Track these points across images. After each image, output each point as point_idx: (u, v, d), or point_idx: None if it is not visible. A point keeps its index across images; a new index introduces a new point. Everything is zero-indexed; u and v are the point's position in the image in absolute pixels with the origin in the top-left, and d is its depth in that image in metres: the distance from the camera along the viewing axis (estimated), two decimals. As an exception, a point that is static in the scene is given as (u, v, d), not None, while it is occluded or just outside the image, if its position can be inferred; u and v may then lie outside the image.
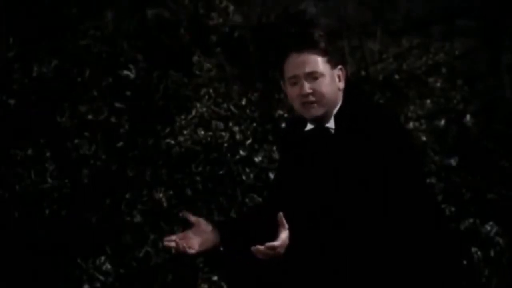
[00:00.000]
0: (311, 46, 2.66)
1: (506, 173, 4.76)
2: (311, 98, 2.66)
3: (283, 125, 4.38)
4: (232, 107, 4.53)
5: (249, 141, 4.42)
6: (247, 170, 4.33)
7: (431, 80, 5.35)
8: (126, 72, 4.60)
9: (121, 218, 4.26)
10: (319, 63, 2.66)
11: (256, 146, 4.42)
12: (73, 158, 4.39)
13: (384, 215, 2.55)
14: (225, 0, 5.03)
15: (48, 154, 4.33)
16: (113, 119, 4.52)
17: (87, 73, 4.55)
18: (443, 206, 4.40)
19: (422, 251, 2.58)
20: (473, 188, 4.64)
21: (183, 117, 4.46)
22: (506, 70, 6.51)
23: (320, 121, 2.70)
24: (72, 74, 4.55)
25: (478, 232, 4.30)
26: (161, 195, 4.26)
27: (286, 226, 2.59)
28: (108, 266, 4.06)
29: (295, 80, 2.67)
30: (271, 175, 4.28)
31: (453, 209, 4.46)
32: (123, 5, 5.07)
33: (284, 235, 2.58)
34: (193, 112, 4.47)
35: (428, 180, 4.49)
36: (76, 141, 4.42)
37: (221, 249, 2.72)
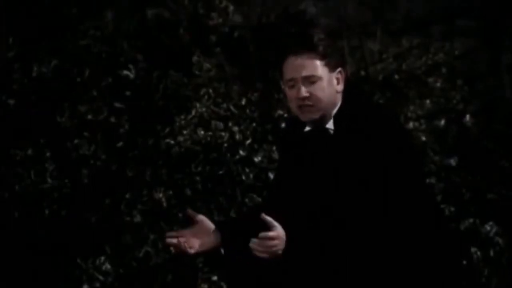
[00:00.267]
0: (310, 49, 2.66)
1: (506, 173, 4.76)
2: (308, 102, 2.66)
3: (283, 125, 4.38)
4: (231, 107, 4.53)
5: (248, 141, 4.42)
6: (247, 170, 4.33)
7: (431, 80, 5.35)
8: (126, 72, 4.60)
9: (121, 218, 4.26)
10: (317, 66, 2.66)
11: (255, 146, 4.42)
12: (73, 158, 4.39)
13: (384, 215, 2.55)
14: (225, 0, 5.03)
15: (48, 154, 4.33)
16: (113, 119, 4.52)
17: (87, 73, 4.55)
18: (443, 206, 4.40)
19: (422, 251, 2.58)
20: (473, 188, 4.64)
21: (182, 117, 4.46)
22: (506, 70, 6.51)
23: (318, 122, 2.70)
24: (72, 74, 4.55)
25: (478, 232, 4.30)
26: (160, 195, 4.26)
27: (275, 223, 2.57)
28: (107, 266, 4.06)
29: (293, 83, 2.67)
30: (271, 175, 4.28)
31: (453, 209, 4.46)
32: (123, 5, 5.07)
33: (278, 229, 2.57)
34: (193, 112, 4.47)
35: (428, 180, 4.49)
36: (76, 141, 4.42)
37: (222, 251, 2.72)
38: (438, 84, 5.35)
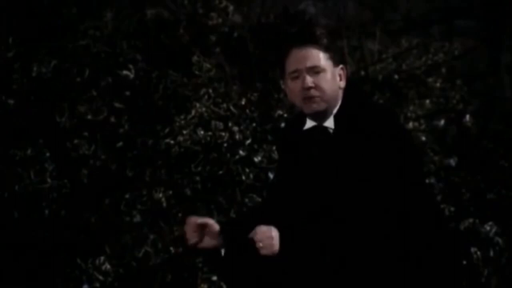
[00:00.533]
0: (314, 41, 2.67)
1: (506, 173, 4.76)
2: (313, 92, 2.65)
3: (283, 125, 4.38)
4: (231, 107, 4.53)
5: (248, 141, 4.41)
6: (247, 170, 4.33)
7: (430, 80, 5.35)
8: (125, 72, 4.60)
9: (120, 218, 4.26)
10: (321, 58, 2.67)
11: (255, 146, 4.42)
12: (72, 158, 4.39)
13: (384, 215, 2.55)
14: (225, 0, 5.03)
15: (47, 154, 4.33)
16: (112, 119, 4.52)
17: (87, 73, 4.55)
18: (442, 206, 4.40)
19: (422, 251, 2.58)
20: (473, 188, 4.64)
21: (182, 117, 4.45)
22: (505, 70, 6.51)
23: (319, 119, 2.69)
24: (72, 74, 4.55)
25: (478, 232, 4.30)
26: (160, 195, 4.26)
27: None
28: (107, 266, 4.06)
29: (297, 74, 2.67)
30: (271, 175, 4.28)
31: (452, 209, 4.46)
32: (123, 5, 5.07)
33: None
34: (193, 112, 4.47)
35: (427, 180, 4.50)
36: (75, 141, 4.42)
37: (222, 252, 2.72)
38: (438, 84, 5.35)
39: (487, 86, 6.54)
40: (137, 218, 4.24)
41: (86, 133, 4.45)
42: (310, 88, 2.65)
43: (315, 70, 2.66)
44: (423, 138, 4.95)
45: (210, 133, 4.39)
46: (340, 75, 2.71)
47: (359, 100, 2.75)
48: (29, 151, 4.31)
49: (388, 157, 2.57)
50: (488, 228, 4.29)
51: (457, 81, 5.45)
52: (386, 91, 5.24)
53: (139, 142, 4.45)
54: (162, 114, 4.56)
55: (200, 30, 4.98)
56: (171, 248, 4.14)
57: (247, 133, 4.43)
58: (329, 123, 2.69)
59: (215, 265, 4.04)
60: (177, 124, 4.43)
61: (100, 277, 4.04)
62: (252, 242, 2.59)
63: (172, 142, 4.39)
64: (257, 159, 4.36)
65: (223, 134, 4.39)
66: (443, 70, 5.45)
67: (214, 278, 4.08)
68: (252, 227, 2.65)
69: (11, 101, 4.44)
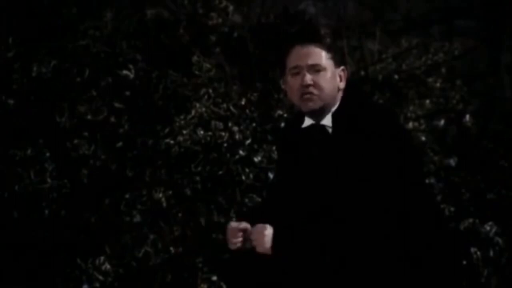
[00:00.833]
0: (317, 40, 2.68)
1: (506, 173, 4.76)
2: (311, 90, 2.66)
3: (282, 125, 4.38)
4: (231, 107, 4.53)
5: (248, 141, 4.42)
6: (247, 170, 4.33)
7: (430, 80, 5.35)
8: (125, 72, 4.60)
9: (120, 218, 4.26)
10: (323, 57, 2.68)
11: (255, 146, 4.42)
12: (72, 158, 4.39)
13: (383, 214, 2.55)
14: (225, 0, 5.03)
15: (47, 154, 4.33)
16: (112, 119, 4.52)
17: (87, 73, 4.55)
18: (442, 206, 4.40)
19: (421, 251, 2.58)
20: (473, 188, 4.64)
21: (182, 117, 4.45)
22: (505, 70, 6.51)
23: (316, 116, 2.70)
24: (72, 74, 4.55)
25: (478, 232, 4.30)
26: (160, 195, 4.26)
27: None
28: (107, 266, 4.06)
29: (297, 70, 2.68)
30: (271, 175, 4.28)
31: (452, 209, 4.46)
32: (123, 5, 5.06)
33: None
34: (193, 112, 4.47)
35: (427, 180, 4.50)
36: (75, 141, 4.42)
37: None
38: (438, 84, 5.35)
39: (487, 86, 6.54)
40: (137, 218, 4.24)
41: (86, 133, 4.45)
42: (308, 85, 2.66)
43: (316, 68, 2.66)
44: (423, 138, 4.95)
45: (210, 133, 4.39)
46: (340, 76, 2.71)
47: (359, 100, 2.76)
48: (29, 151, 4.32)
49: (388, 157, 2.57)
50: (488, 228, 4.30)
51: (457, 81, 5.45)
52: (386, 91, 5.24)
53: (139, 142, 4.45)
54: (162, 114, 4.56)
55: (200, 30, 4.98)
56: (171, 248, 4.14)
57: (247, 133, 4.43)
58: (327, 121, 2.69)
59: (214, 265, 4.05)
60: (177, 124, 4.43)
61: (100, 277, 4.04)
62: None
63: (172, 142, 4.39)
64: (257, 159, 4.36)
65: (223, 134, 4.39)
66: (443, 70, 5.45)
67: (214, 278, 4.08)
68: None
69: (11, 101, 4.44)
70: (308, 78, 2.66)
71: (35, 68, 4.49)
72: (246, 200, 4.25)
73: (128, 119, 4.53)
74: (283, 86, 2.78)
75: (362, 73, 5.36)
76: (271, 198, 2.86)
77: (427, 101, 5.25)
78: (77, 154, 4.39)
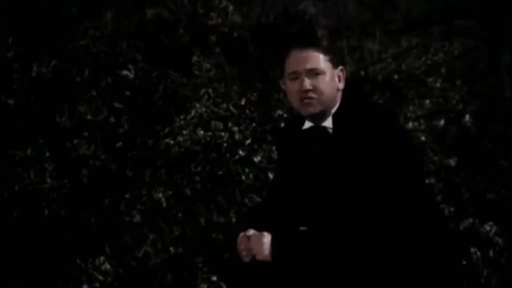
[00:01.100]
0: (314, 44, 2.67)
1: (506, 173, 4.75)
2: (311, 95, 2.65)
3: (282, 125, 4.37)
4: (231, 107, 4.53)
5: (248, 141, 4.41)
6: (247, 170, 4.33)
7: (430, 80, 5.34)
8: (125, 72, 4.60)
9: (120, 218, 4.26)
10: (321, 60, 2.66)
11: (255, 146, 4.42)
12: (72, 158, 4.39)
13: (383, 215, 2.54)
14: (225, 0, 5.03)
15: (47, 154, 4.33)
16: (112, 119, 4.52)
17: (86, 73, 4.55)
18: (442, 206, 4.40)
19: (421, 251, 2.58)
20: (473, 188, 4.64)
21: (182, 117, 4.45)
22: (505, 70, 6.51)
23: (317, 119, 2.70)
24: (71, 74, 4.55)
25: (478, 232, 4.30)
26: (160, 195, 4.26)
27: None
28: (107, 266, 4.06)
29: (296, 76, 2.67)
30: (271, 175, 4.28)
31: (452, 209, 4.46)
32: (123, 5, 5.06)
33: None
34: (193, 112, 4.47)
35: (427, 180, 4.49)
36: (75, 141, 4.42)
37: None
38: (438, 84, 5.34)
39: (487, 86, 6.54)
40: (137, 218, 4.24)
41: (86, 133, 4.45)
42: (308, 90, 2.65)
43: (314, 72, 2.66)
44: (423, 138, 4.95)
45: (210, 133, 4.38)
46: (339, 77, 2.71)
47: (358, 100, 2.75)
48: (29, 151, 4.32)
49: (388, 157, 2.57)
50: (488, 228, 4.29)
51: (457, 81, 5.45)
52: (386, 91, 5.24)
53: (139, 142, 4.45)
54: (162, 114, 4.56)
55: (200, 30, 4.98)
56: (171, 248, 4.14)
57: (247, 133, 4.43)
58: (328, 123, 2.69)
59: (214, 265, 4.05)
60: (177, 124, 4.43)
61: (100, 277, 4.04)
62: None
63: (172, 142, 4.39)
64: (257, 159, 4.36)
65: (223, 134, 4.39)
66: (443, 70, 5.45)
67: (214, 278, 4.08)
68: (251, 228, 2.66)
69: (11, 101, 4.44)
70: (307, 83, 2.65)
71: (35, 68, 4.49)
72: (246, 200, 4.25)
73: (128, 119, 4.52)
74: (283, 87, 2.78)
75: (362, 73, 5.36)
76: (271, 198, 2.86)
77: (427, 101, 5.24)
78: (77, 154, 4.39)
